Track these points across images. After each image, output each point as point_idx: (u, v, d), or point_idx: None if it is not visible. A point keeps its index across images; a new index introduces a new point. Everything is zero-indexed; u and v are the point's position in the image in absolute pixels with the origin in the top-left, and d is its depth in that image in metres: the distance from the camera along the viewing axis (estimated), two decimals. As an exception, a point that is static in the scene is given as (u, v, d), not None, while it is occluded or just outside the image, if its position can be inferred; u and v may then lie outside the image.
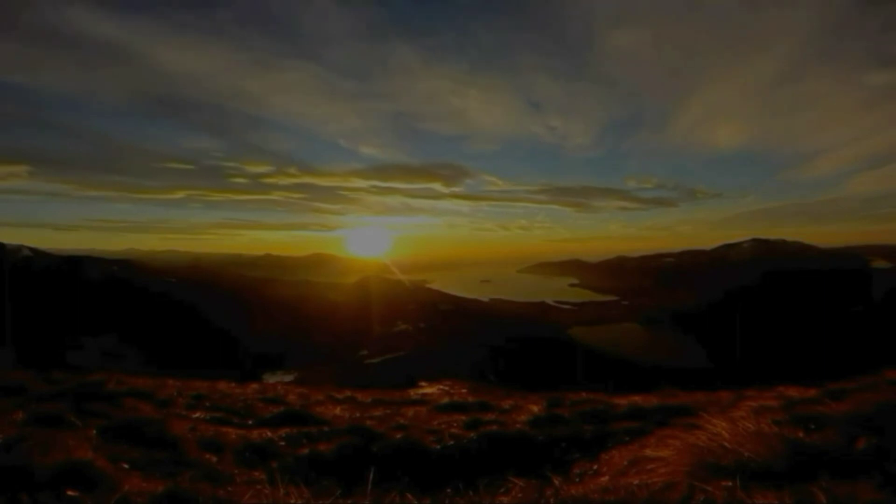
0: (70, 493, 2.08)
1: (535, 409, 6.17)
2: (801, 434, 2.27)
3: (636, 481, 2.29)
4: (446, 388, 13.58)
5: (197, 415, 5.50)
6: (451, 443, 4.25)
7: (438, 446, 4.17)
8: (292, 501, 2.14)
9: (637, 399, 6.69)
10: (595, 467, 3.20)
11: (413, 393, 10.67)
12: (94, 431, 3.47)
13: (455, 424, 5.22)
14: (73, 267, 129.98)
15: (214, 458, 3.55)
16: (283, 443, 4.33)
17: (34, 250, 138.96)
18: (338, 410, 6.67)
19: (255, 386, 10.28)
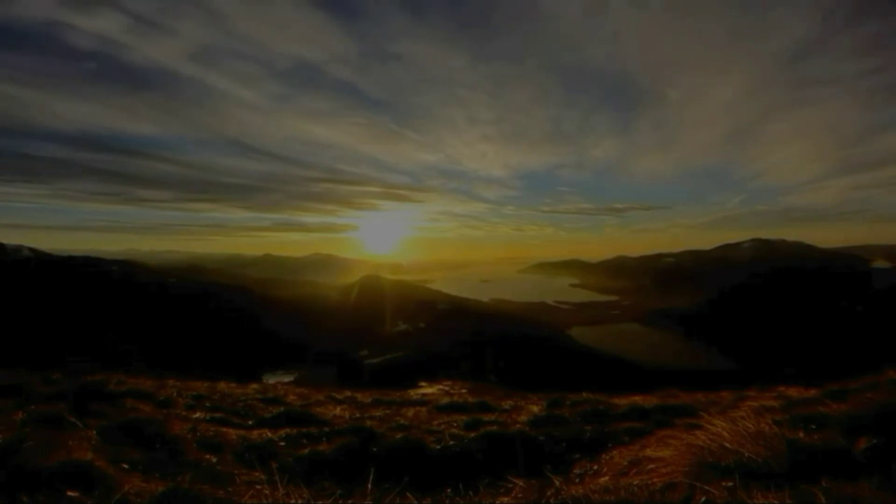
0: (70, 493, 2.07)
1: (535, 409, 6.16)
2: (801, 434, 2.27)
3: (636, 481, 2.28)
4: (446, 388, 13.57)
5: (197, 415, 5.49)
6: (452, 443, 4.24)
7: (438, 446, 4.16)
8: (292, 501, 2.14)
9: (637, 399, 6.68)
10: (595, 467, 3.19)
11: (413, 393, 10.66)
12: (94, 432, 3.46)
13: (455, 425, 5.21)
14: (73, 267, 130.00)
15: (214, 459, 3.54)
16: (283, 443, 4.32)
17: (34, 250, 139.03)
18: (338, 410, 6.66)
19: (255, 386, 10.25)
